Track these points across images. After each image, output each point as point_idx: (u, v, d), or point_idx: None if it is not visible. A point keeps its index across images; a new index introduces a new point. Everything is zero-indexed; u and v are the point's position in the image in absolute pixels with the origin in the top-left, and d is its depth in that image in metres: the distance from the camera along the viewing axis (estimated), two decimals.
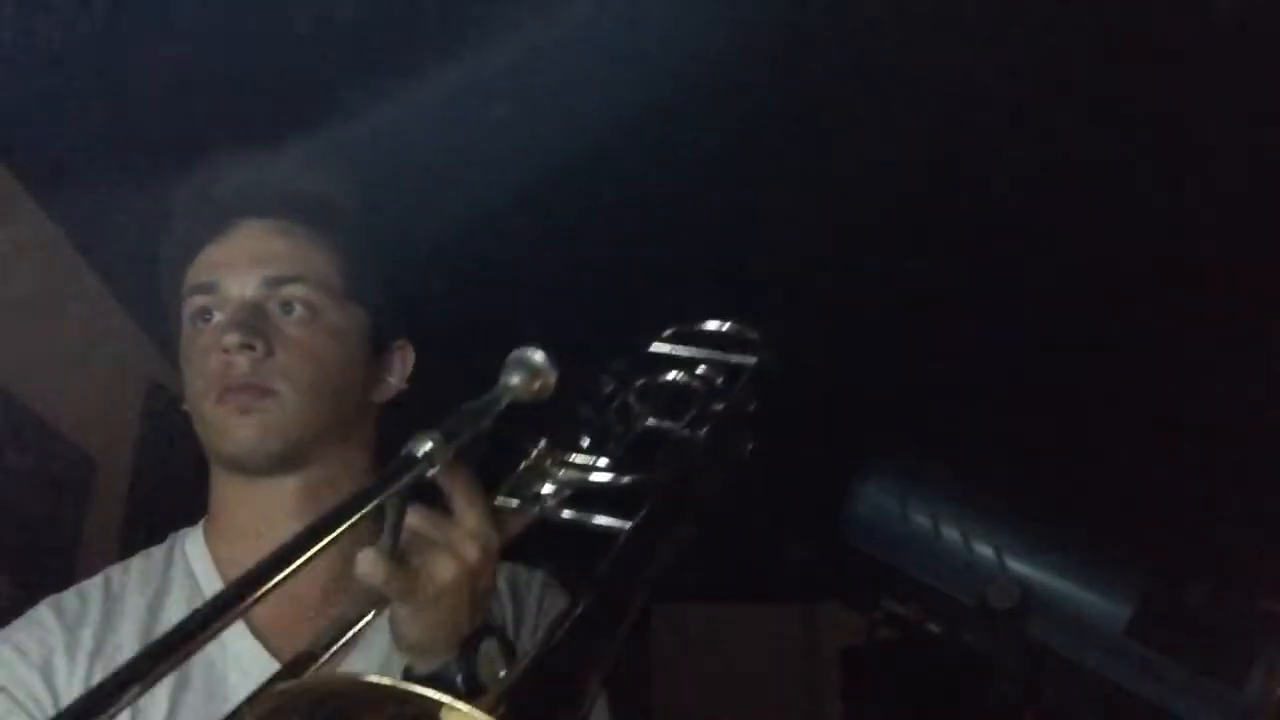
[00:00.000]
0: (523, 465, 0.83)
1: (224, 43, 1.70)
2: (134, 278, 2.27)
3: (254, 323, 0.95)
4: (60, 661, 0.92)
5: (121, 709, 0.49)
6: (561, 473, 0.81)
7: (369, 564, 0.74)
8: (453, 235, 1.90)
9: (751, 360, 0.85)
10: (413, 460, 0.70)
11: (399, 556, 0.74)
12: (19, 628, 0.95)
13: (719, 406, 0.81)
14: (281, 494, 0.97)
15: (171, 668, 0.53)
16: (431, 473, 0.70)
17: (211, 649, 0.91)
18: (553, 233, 2.21)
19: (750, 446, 0.82)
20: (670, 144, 2.00)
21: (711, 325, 0.88)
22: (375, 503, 0.67)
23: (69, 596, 0.98)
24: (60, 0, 1.60)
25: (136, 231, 2.04)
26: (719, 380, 0.84)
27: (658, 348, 0.87)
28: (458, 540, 0.77)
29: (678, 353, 0.86)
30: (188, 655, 0.55)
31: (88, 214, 2.02)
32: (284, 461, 0.95)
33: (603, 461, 0.79)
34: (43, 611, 0.96)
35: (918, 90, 1.90)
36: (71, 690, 0.91)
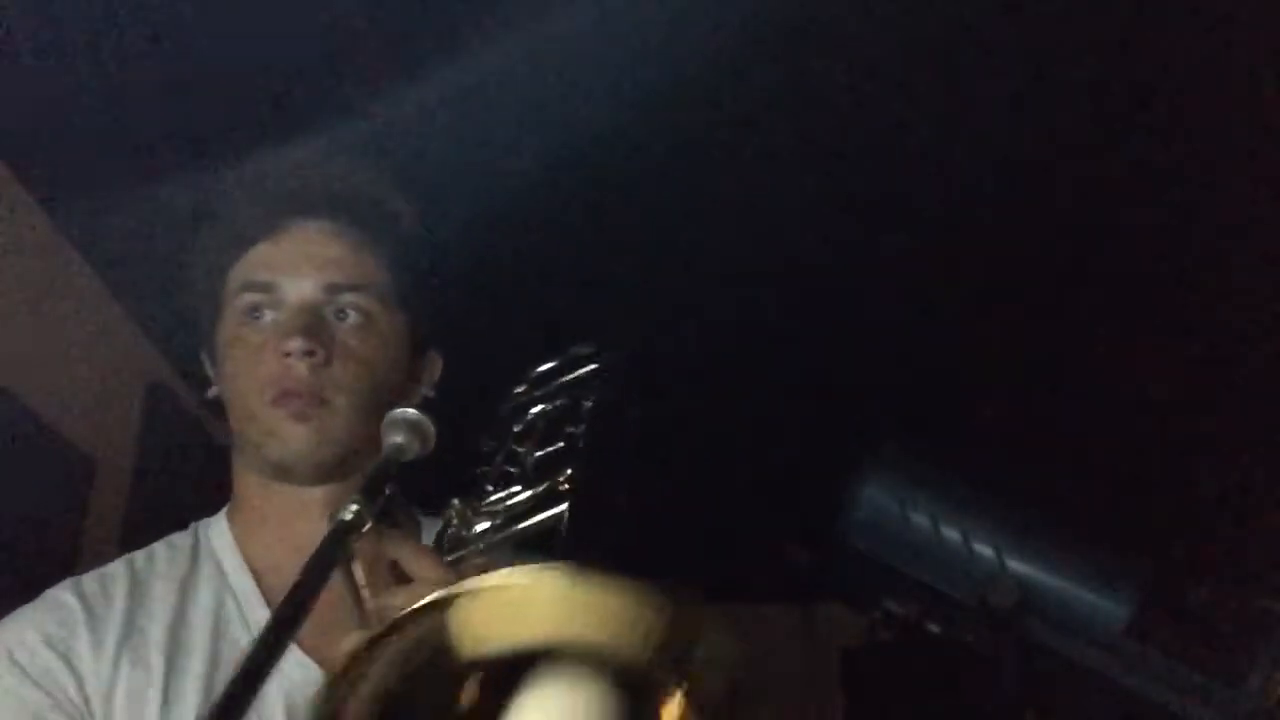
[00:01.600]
0: (446, 528, 0.87)
1: (224, 42, 1.70)
2: (134, 278, 2.27)
3: (316, 329, 0.95)
4: (83, 645, 0.92)
5: None
6: (484, 513, 0.86)
7: (348, 643, 0.76)
8: (455, 234, 1.90)
9: (592, 367, 0.95)
10: (344, 525, 0.73)
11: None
12: (40, 609, 0.95)
13: (576, 427, 0.88)
14: (314, 496, 0.98)
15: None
16: (366, 528, 0.75)
17: (240, 635, 0.95)
18: (554, 231, 2.21)
19: (636, 421, 0.91)
20: (671, 142, 2.00)
21: (545, 367, 0.97)
22: (329, 572, 0.71)
23: (89, 580, 0.98)
24: (60, 0, 1.60)
25: (136, 231, 2.04)
26: (583, 398, 0.92)
27: (515, 401, 0.96)
28: (424, 597, 0.79)
29: (534, 395, 0.95)
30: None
31: (88, 214, 2.02)
32: (329, 472, 0.97)
33: (516, 488, 0.85)
34: (65, 597, 0.96)
35: (919, 85, 1.90)
36: (97, 674, 0.91)
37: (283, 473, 0.97)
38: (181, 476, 2.36)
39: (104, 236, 2.12)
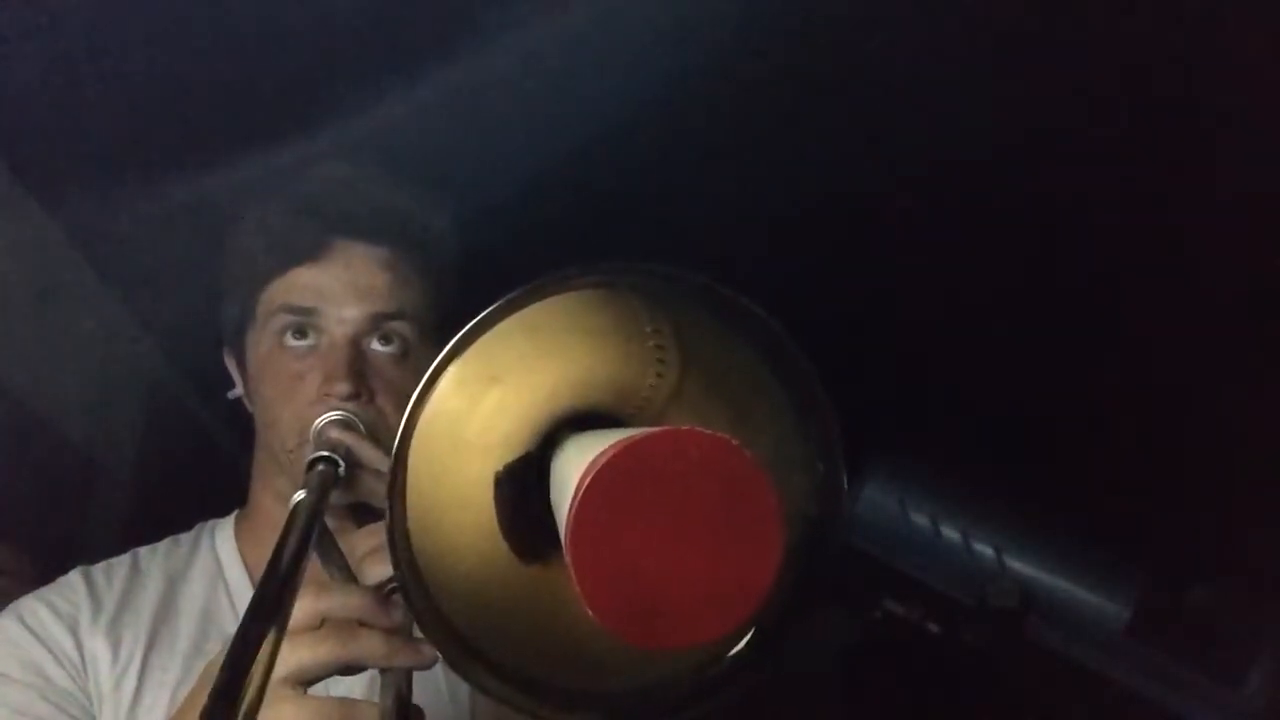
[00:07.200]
0: None
1: (223, 43, 1.69)
2: (134, 278, 2.27)
3: (360, 367, 0.96)
4: (84, 617, 1.00)
5: None
6: None
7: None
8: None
9: None
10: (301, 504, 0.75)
11: None
12: (52, 589, 1.04)
13: None
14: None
15: None
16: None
17: (229, 624, 1.00)
18: (554, 232, 2.21)
19: None
20: (671, 143, 2.00)
21: None
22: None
23: (97, 569, 1.06)
24: (60, 1, 1.60)
25: (136, 231, 2.04)
26: None
27: None
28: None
29: None
30: None
31: (88, 214, 2.02)
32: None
33: None
34: (73, 577, 1.05)
35: (924, 87, 1.89)
36: (93, 642, 0.98)
37: None
38: (181, 476, 2.36)
39: (104, 236, 2.11)
